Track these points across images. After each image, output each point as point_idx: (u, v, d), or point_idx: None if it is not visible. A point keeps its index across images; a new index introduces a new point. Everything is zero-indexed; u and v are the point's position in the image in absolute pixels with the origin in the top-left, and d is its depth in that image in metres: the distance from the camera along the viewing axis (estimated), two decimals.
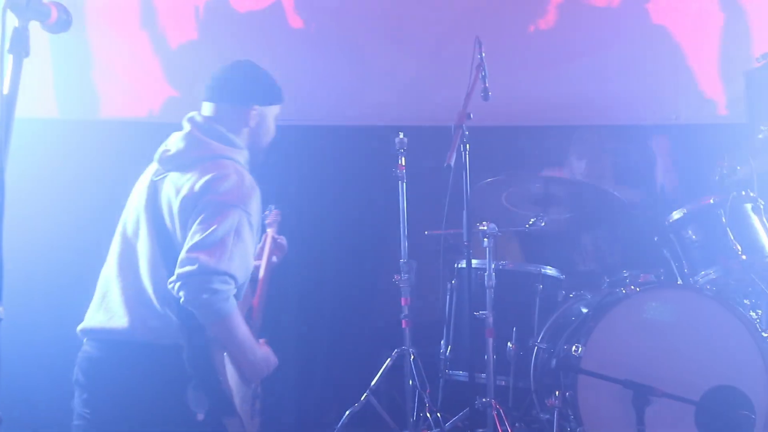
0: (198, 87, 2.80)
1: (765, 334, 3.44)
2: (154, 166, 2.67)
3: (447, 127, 3.23)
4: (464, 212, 3.32)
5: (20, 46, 1.61)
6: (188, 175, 2.49)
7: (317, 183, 4.90)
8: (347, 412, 3.87)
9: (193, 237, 2.37)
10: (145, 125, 4.85)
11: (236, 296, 2.46)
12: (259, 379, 2.67)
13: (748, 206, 3.60)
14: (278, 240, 3.26)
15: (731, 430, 3.27)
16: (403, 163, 4.07)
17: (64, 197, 4.58)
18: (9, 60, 1.60)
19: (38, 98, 4.69)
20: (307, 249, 4.88)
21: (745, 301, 3.71)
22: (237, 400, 2.47)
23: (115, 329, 2.45)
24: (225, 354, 2.45)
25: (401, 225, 4.08)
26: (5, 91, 1.60)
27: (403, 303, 4.04)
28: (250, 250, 2.49)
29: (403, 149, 4.08)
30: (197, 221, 2.39)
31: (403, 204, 4.08)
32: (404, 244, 4.08)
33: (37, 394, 4.22)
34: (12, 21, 1.63)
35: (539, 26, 5.17)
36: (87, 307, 2.84)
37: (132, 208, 2.64)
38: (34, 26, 1.70)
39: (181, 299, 2.34)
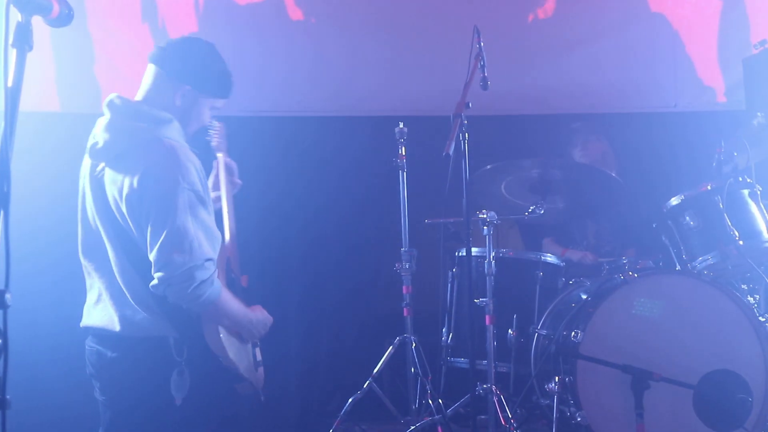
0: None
1: (762, 319, 3.47)
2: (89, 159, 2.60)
3: (446, 116, 3.25)
4: (464, 201, 3.35)
5: (24, 40, 1.64)
6: (123, 169, 2.44)
7: (318, 173, 4.92)
8: (350, 400, 3.91)
9: (156, 237, 2.35)
10: None
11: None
12: (259, 339, 2.75)
13: (745, 192, 3.61)
14: (228, 162, 3.09)
15: (729, 413, 3.31)
16: (403, 153, 4.11)
17: (66, 190, 4.59)
18: (13, 54, 1.64)
19: (40, 92, 4.72)
20: (309, 239, 4.91)
21: (743, 286, 3.74)
22: (242, 368, 2.57)
23: (107, 328, 2.49)
24: (220, 334, 2.49)
25: (402, 214, 4.12)
26: (9, 84, 1.63)
27: (404, 291, 4.08)
28: (210, 221, 2.47)
29: (403, 139, 4.11)
30: (151, 220, 2.37)
31: (404, 193, 4.11)
32: (405, 232, 4.11)
33: (45, 380, 4.27)
34: (15, 16, 1.67)
35: (538, 15, 5.18)
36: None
37: (87, 203, 2.60)
38: (37, 21, 1.74)
39: (170, 298, 2.38)
